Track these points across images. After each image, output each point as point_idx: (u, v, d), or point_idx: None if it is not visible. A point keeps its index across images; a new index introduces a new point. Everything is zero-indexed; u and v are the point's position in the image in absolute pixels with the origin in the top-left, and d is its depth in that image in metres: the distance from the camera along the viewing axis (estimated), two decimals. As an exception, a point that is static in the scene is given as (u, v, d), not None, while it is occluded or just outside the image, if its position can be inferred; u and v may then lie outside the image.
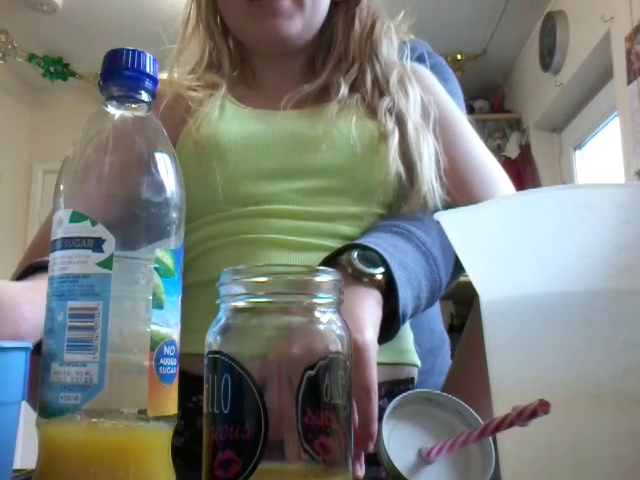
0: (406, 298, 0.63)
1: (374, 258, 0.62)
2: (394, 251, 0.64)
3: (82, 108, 4.07)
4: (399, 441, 0.44)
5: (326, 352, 0.38)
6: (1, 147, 3.85)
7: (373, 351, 0.53)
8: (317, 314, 0.39)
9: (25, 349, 0.41)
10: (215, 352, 0.39)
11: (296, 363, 0.38)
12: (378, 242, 0.65)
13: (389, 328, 0.62)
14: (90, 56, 3.72)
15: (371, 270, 0.61)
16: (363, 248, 0.63)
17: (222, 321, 0.40)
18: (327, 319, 0.40)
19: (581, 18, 2.83)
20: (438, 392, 0.48)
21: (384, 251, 0.63)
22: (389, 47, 0.85)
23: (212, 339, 0.39)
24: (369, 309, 0.58)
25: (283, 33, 0.81)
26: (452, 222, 0.41)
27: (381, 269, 0.62)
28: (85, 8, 3.26)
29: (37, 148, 4.09)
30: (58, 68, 3.75)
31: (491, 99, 3.88)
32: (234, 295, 0.39)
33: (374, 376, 0.52)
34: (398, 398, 0.46)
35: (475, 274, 0.41)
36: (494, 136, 3.68)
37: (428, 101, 0.80)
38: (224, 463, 0.37)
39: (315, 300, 0.39)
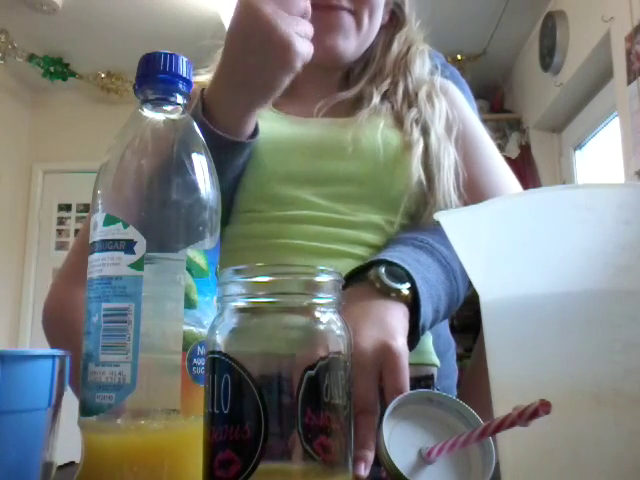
0: (426, 312, 0.65)
1: (400, 274, 0.65)
2: (418, 266, 0.67)
3: (82, 108, 4.09)
4: (399, 441, 0.44)
5: (326, 352, 0.38)
6: (1, 147, 3.85)
7: (405, 357, 0.55)
8: (317, 314, 0.39)
9: (52, 357, 0.41)
10: (215, 352, 0.39)
11: (296, 363, 0.38)
12: (402, 257, 0.67)
13: (409, 340, 0.64)
14: (90, 56, 3.73)
15: (398, 285, 0.63)
16: (389, 264, 0.65)
17: (222, 321, 0.40)
18: (327, 319, 0.40)
19: (581, 18, 2.83)
20: (438, 392, 0.48)
21: (409, 266, 0.65)
22: (421, 67, 0.90)
23: (212, 339, 0.39)
24: (398, 318, 0.61)
25: (340, 52, 0.84)
26: (452, 222, 0.41)
27: (407, 284, 0.64)
28: (85, 8, 3.26)
29: (37, 148, 4.08)
30: (58, 68, 3.75)
31: (491, 99, 3.88)
32: (234, 295, 0.39)
33: (407, 381, 0.54)
34: (399, 398, 0.47)
35: (475, 274, 0.41)
36: (494, 136, 3.65)
37: (453, 116, 0.84)
38: (224, 463, 0.37)
39: (315, 300, 0.39)
